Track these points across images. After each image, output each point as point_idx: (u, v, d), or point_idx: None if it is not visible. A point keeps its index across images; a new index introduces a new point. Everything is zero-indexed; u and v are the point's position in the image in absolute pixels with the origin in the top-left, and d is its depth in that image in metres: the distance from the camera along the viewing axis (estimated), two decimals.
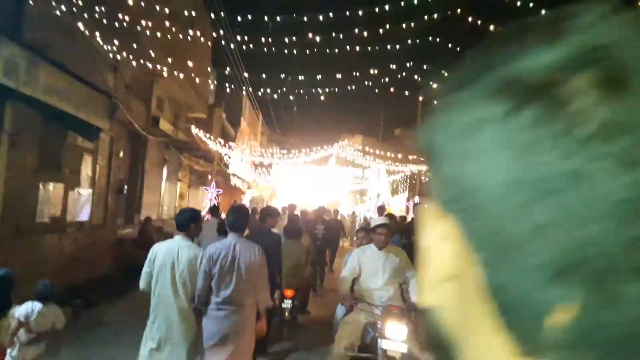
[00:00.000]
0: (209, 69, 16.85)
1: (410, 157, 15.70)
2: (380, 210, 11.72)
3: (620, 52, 0.30)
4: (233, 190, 20.30)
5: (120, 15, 8.97)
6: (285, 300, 6.13)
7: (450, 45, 13.11)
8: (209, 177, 15.95)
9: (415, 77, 13.81)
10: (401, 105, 25.28)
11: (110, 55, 9.05)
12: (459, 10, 10.95)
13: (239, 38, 16.47)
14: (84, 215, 9.20)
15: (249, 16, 12.36)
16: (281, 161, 17.70)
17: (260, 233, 5.50)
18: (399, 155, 16.10)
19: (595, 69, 0.29)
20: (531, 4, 9.56)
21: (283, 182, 28.12)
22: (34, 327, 3.79)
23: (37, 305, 3.87)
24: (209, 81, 17.03)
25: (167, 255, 3.93)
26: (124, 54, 9.75)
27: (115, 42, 9.09)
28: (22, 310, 3.82)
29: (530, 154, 0.30)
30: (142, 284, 3.98)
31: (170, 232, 12.61)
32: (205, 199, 14.01)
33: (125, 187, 10.85)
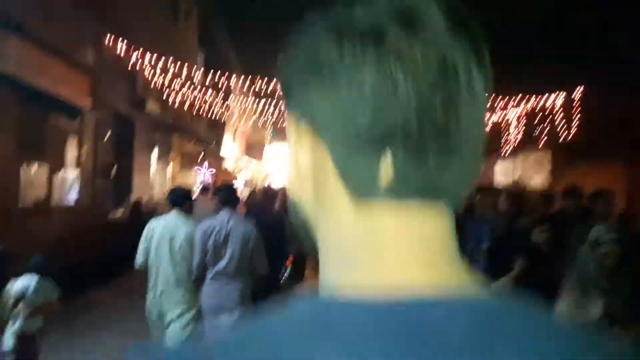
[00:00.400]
0: (197, 49, 16.44)
1: None
2: None
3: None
4: (225, 173, 20.03)
5: None
6: (283, 267, 6.49)
7: None
8: (201, 159, 15.64)
9: None
10: None
11: (91, 31, 8.67)
12: None
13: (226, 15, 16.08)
14: (70, 199, 8.92)
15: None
16: (273, 139, 17.47)
17: (265, 212, 5.76)
18: None
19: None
20: None
21: (276, 163, 27.85)
22: (33, 300, 3.80)
23: (34, 279, 3.87)
24: (197, 61, 16.60)
25: (165, 230, 3.98)
26: (107, 33, 9.42)
27: (97, 18, 8.74)
28: (18, 285, 3.82)
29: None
30: (139, 260, 4.02)
31: (162, 214, 12.34)
32: (197, 179, 13.75)
33: (114, 169, 10.55)
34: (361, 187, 0.45)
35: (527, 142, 11.70)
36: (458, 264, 0.46)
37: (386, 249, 0.44)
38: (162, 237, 3.96)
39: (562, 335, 0.43)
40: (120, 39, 10.18)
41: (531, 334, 0.41)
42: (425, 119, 0.43)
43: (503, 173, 12.90)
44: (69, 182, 8.87)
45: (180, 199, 4.21)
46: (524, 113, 11.11)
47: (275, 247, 5.07)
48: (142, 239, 4.05)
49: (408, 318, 0.40)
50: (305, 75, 0.46)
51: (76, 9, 8.13)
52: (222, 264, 3.90)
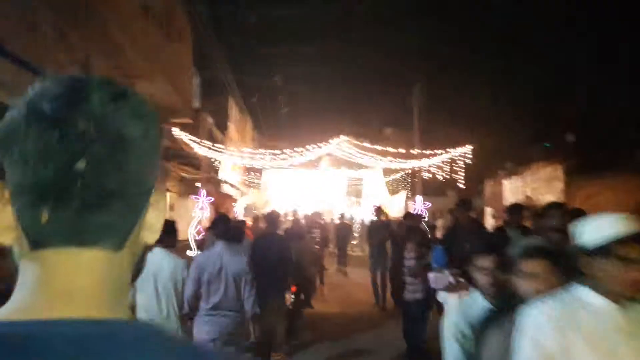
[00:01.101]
0: (192, 72, 16.10)
1: (415, 152, 15.06)
2: (378, 211, 11.03)
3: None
4: (225, 198, 19.49)
5: (90, 11, 8.23)
6: (289, 294, 6.64)
7: (442, 45, 12.47)
8: (199, 186, 15.13)
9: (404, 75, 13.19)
10: (390, 106, 24.60)
11: (80, 52, 8.27)
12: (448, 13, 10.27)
13: (223, 38, 15.78)
14: None
15: (233, 18, 11.71)
16: (273, 162, 17.01)
17: (271, 237, 5.90)
18: (401, 150, 15.53)
19: None
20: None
21: (274, 188, 27.34)
22: None
23: None
24: (193, 84, 16.27)
25: (149, 267, 3.92)
26: (100, 56, 9.03)
27: (85, 38, 8.35)
28: None
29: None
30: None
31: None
32: (195, 208, 13.19)
33: None
34: (29, 235, 0.56)
35: (536, 157, 11.31)
36: (103, 299, 0.57)
37: (36, 287, 0.56)
38: (147, 275, 3.90)
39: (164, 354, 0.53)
40: (113, 60, 9.80)
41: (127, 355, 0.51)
42: (76, 177, 0.54)
43: (512, 191, 12.42)
44: None
45: (165, 233, 3.64)
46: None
47: (280, 274, 5.49)
48: None
49: (14, 340, 0.49)
50: (4, 145, 0.57)
51: (62, 29, 7.74)
52: (216, 297, 3.94)
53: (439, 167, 15.49)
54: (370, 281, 10.02)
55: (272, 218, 6.22)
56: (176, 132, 14.00)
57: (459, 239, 5.31)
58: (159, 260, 4.03)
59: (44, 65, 6.72)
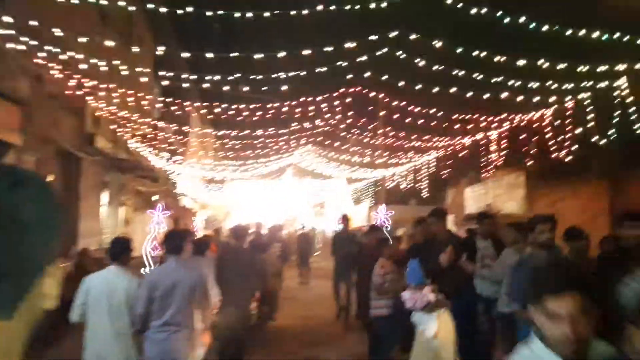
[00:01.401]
0: (153, 81, 15.59)
1: (378, 162, 15.04)
2: (344, 220, 10.19)
3: None
4: (183, 212, 18.90)
5: (42, 20, 7.72)
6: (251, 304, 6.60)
7: (405, 55, 12.40)
8: (156, 200, 14.55)
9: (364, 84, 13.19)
10: (355, 115, 24.64)
11: (31, 62, 7.75)
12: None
13: (184, 47, 15.32)
14: None
15: (195, 25, 11.37)
16: (235, 174, 16.65)
17: (237, 250, 5.95)
18: (364, 160, 15.49)
19: None
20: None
21: (237, 200, 26.83)
22: None
23: None
24: (153, 94, 15.74)
25: (103, 286, 3.97)
26: (51, 64, 8.52)
27: (36, 47, 7.85)
28: None
29: None
30: (75, 316, 3.98)
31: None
32: (151, 223, 12.63)
33: None
34: None
35: (499, 165, 11.44)
36: None
37: None
38: (100, 293, 3.93)
39: None
40: (68, 70, 9.29)
41: None
42: None
43: (474, 199, 12.48)
44: None
45: (120, 251, 4.19)
46: (498, 134, 10.86)
47: (247, 286, 5.63)
48: (80, 294, 4.00)
49: None
50: None
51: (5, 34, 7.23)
52: (168, 314, 3.89)
53: (402, 176, 15.57)
54: (332, 295, 9.63)
55: (239, 231, 6.25)
56: (133, 143, 13.44)
57: (434, 252, 5.04)
58: (113, 279, 4.02)
59: None
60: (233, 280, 5.34)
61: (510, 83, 8.49)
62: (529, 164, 9.95)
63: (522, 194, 10.58)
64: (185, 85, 14.38)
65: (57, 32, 7.65)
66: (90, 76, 10.33)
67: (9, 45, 7.05)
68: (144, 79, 13.82)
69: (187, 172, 18.24)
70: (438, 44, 8.21)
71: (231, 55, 8.60)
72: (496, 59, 8.06)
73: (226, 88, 9.56)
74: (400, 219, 16.92)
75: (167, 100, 17.24)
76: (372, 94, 12.48)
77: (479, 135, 10.48)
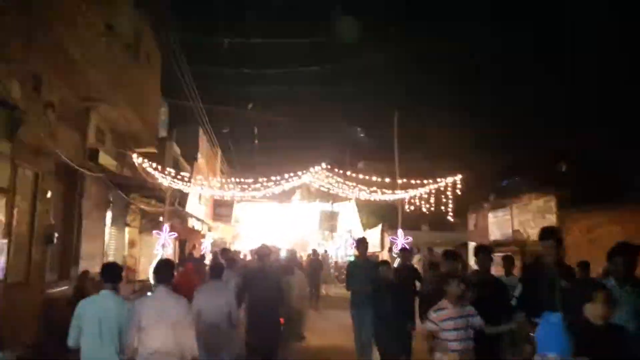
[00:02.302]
0: (159, 98, 15.18)
1: (400, 182, 14.38)
2: (361, 244, 8.36)
3: None
4: (191, 234, 18.25)
5: (42, 24, 7.29)
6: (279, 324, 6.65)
7: (422, 80, 11.91)
8: (162, 221, 13.94)
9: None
10: (366, 139, 24.03)
11: (25, 65, 7.26)
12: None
13: (191, 65, 14.95)
14: None
15: (204, 43, 11.00)
16: (245, 193, 16.06)
17: (262, 272, 5.93)
18: (385, 180, 14.84)
19: None
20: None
21: (245, 223, 26.24)
22: None
23: None
24: (160, 112, 15.30)
25: (97, 311, 4.04)
26: (53, 73, 8.06)
27: (37, 54, 7.40)
28: None
29: None
30: (72, 340, 4.05)
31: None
32: (157, 245, 12.04)
33: (56, 234, 8.82)
34: None
35: (524, 189, 10.77)
36: None
37: None
38: (93, 317, 4.00)
39: None
40: (66, 78, 8.83)
41: None
42: None
43: (498, 224, 11.73)
44: None
45: (113, 276, 4.28)
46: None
47: (274, 308, 5.69)
48: (75, 317, 4.08)
49: None
50: None
51: (9, 42, 6.77)
52: (155, 342, 3.92)
53: (422, 199, 14.91)
54: (353, 336, 7.57)
55: (263, 253, 6.19)
56: (138, 161, 12.91)
57: (549, 294, 3.72)
58: (105, 304, 4.09)
59: None
60: (260, 302, 5.54)
61: None
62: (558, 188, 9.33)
63: (553, 219, 9.90)
64: (193, 105, 13.97)
65: (57, 35, 7.15)
66: (94, 89, 9.89)
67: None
68: (150, 95, 13.40)
69: (194, 190, 17.66)
70: None
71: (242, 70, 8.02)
72: None
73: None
74: (413, 245, 16.16)
75: (174, 119, 16.88)
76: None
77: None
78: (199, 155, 19.29)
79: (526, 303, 4.12)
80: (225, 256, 10.20)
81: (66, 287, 9.16)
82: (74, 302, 8.32)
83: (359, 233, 24.22)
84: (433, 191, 14.12)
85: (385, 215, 26.10)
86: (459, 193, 13.10)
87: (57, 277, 9.47)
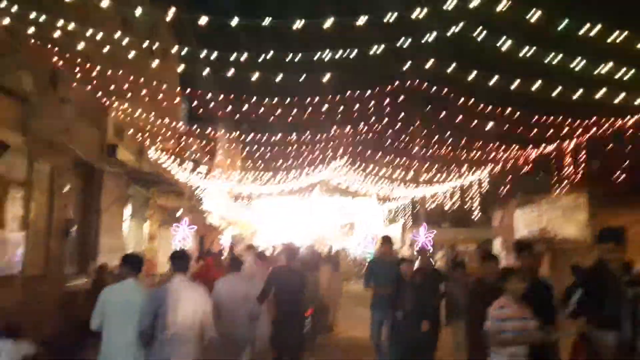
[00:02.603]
0: (178, 94, 15.11)
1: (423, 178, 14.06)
2: (386, 242, 8.02)
3: None
4: (210, 229, 18.21)
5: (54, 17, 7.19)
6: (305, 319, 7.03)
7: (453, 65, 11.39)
8: (181, 215, 13.88)
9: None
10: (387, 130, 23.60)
11: (39, 57, 7.19)
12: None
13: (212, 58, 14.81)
14: (13, 266, 7.11)
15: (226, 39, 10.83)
16: (263, 188, 15.96)
17: (290, 269, 6.12)
18: (405, 175, 14.54)
19: None
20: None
21: (264, 218, 26.14)
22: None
23: (6, 343, 4.44)
24: (179, 107, 15.23)
25: (120, 298, 4.24)
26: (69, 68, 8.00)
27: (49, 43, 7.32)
28: None
29: None
30: (94, 324, 4.23)
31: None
32: (174, 239, 11.99)
33: (74, 228, 8.79)
34: None
35: (553, 185, 10.37)
36: None
37: None
38: (117, 304, 4.18)
39: None
40: (88, 77, 8.78)
41: None
42: None
43: (525, 222, 11.29)
44: (11, 246, 7.11)
45: (135, 266, 4.49)
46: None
47: (300, 304, 5.90)
48: (99, 303, 4.24)
49: None
50: None
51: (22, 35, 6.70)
52: (172, 328, 4.07)
53: (445, 195, 14.61)
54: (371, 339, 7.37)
55: (291, 251, 6.48)
56: (157, 156, 12.86)
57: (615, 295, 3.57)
58: (129, 291, 4.26)
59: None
60: (287, 297, 5.69)
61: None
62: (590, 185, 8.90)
63: (584, 217, 9.44)
64: (213, 101, 13.86)
65: (73, 28, 7.04)
66: (113, 84, 9.81)
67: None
68: (169, 90, 13.30)
69: (213, 185, 17.60)
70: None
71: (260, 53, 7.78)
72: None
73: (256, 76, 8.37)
74: (435, 242, 15.79)
75: (195, 115, 16.77)
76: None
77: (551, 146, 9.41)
78: (218, 151, 19.23)
79: (587, 310, 3.81)
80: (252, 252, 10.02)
81: (85, 281, 9.13)
82: (93, 296, 8.32)
83: (379, 229, 23.92)
84: (457, 187, 13.82)
85: (407, 212, 25.74)
86: (485, 189, 12.74)
87: (76, 271, 9.46)
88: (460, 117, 11.23)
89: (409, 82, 10.59)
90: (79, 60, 8.45)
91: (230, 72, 9.48)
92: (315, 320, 8.10)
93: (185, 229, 11.87)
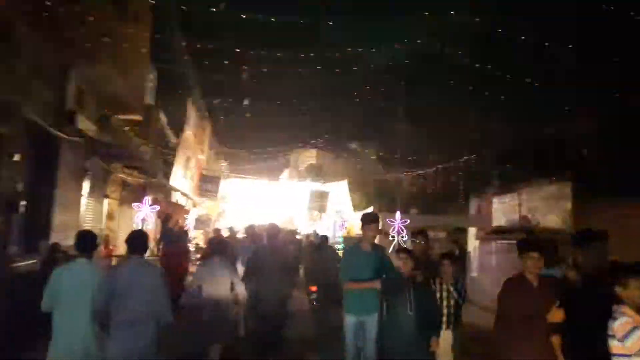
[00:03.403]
0: (148, 63, 14.09)
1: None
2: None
3: None
4: (175, 208, 17.33)
5: None
6: (311, 293, 8.22)
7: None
8: (145, 193, 12.99)
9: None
10: (360, 117, 22.98)
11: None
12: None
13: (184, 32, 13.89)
14: None
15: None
16: (232, 166, 15.24)
17: (272, 246, 6.39)
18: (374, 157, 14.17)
19: None
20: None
21: (232, 200, 25.40)
22: None
23: None
24: (147, 77, 14.21)
25: (72, 278, 4.11)
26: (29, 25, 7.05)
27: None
28: None
29: None
30: (45, 305, 4.08)
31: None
32: (135, 218, 11.15)
33: (23, 203, 7.90)
34: None
35: (535, 173, 10.10)
36: None
37: None
38: (68, 285, 4.02)
39: None
40: (44, 32, 7.82)
41: None
42: None
43: (504, 210, 10.97)
44: None
45: (87, 245, 4.36)
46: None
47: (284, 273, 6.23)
48: (50, 283, 4.07)
49: None
50: None
51: None
52: (126, 310, 3.98)
53: (421, 179, 14.25)
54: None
55: (272, 231, 6.66)
56: (122, 128, 11.94)
57: None
58: (82, 272, 4.14)
59: None
60: (270, 273, 5.90)
61: None
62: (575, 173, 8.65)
63: (568, 207, 9.20)
64: (183, 73, 12.97)
65: None
66: (75, 43, 8.86)
67: None
68: (138, 57, 12.33)
69: (180, 165, 16.69)
70: None
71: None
72: None
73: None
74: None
75: (163, 87, 15.76)
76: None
77: None
78: (187, 126, 18.25)
79: None
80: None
81: (34, 262, 8.25)
82: (42, 277, 7.50)
83: (350, 214, 23.53)
84: (434, 172, 13.52)
85: (379, 197, 25.42)
86: (460, 175, 12.46)
87: (25, 250, 8.56)
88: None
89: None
90: (36, 8, 7.53)
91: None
92: (320, 295, 9.11)
93: (147, 209, 11.05)
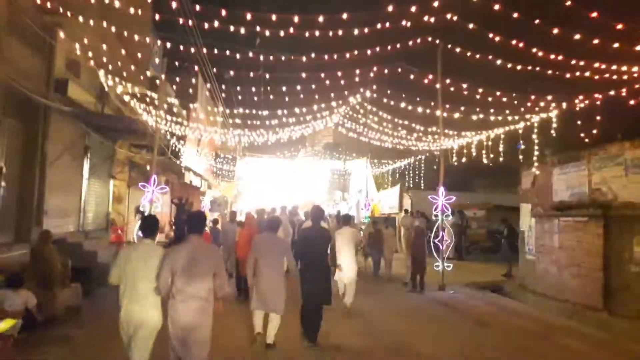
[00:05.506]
0: (150, 30, 12.74)
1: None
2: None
3: None
4: (189, 190, 16.11)
5: None
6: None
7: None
8: (152, 173, 11.72)
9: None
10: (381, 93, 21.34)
11: None
12: None
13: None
14: None
15: None
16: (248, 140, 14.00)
17: (316, 228, 6.80)
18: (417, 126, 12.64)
19: None
20: None
21: (249, 181, 24.16)
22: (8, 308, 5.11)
23: (7, 292, 5.20)
24: (150, 45, 12.87)
25: (140, 254, 4.33)
26: None
27: None
28: None
29: None
30: (113, 278, 4.31)
31: (94, 251, 8.51)
32: (142, 200, 9.92)
33: (3, 184, 6.69)
34: None
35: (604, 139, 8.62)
36: None
37: None
38: (137, 260, 4.27)
39: None
40: None
41: None
42: None
43: (568, 182, 9.46)
44: None
45: (151, 230, 4.57)
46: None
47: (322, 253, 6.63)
48: (119, 259, 4.33)
49: None
50: None
51: None
52: (187, 284, 4.24)
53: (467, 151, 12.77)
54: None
55: (318, 212, 6.94)
56: (122, 96, 10.67)
57: None
58: (149, 250, 4.36)
59: None
60: (313, 255, 6.34)
61: None
62: None
63: None
64: (192, 45, 11.67)
65: None
66: (66, 5, 7.58)
67: None
68: (138, 21, 10.94)
69: (192, 145, 15.40)
70: None
71: None
72: None
73: None
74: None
75: (172, 60, 14.39)
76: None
77: None
78: (197, 102, 16.95)
79: None
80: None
81: (25, 252, 7.06)
82: (32, 271, 6.36)
83: (372, 194, 22.15)
84: (485, 141, 12.09)
85: (402, 176, 23.96)
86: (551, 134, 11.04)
87: (13, 239, 7.40)
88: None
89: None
90: None
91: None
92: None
93: (154, 190, 9.80)
